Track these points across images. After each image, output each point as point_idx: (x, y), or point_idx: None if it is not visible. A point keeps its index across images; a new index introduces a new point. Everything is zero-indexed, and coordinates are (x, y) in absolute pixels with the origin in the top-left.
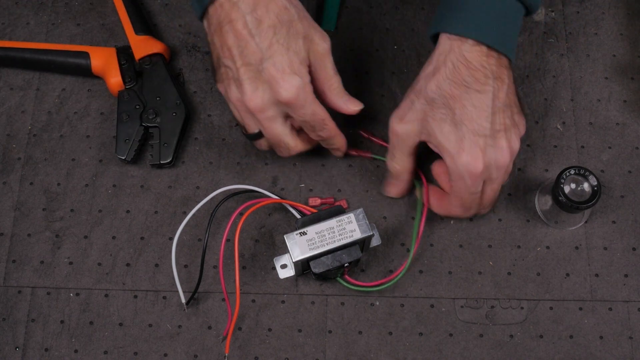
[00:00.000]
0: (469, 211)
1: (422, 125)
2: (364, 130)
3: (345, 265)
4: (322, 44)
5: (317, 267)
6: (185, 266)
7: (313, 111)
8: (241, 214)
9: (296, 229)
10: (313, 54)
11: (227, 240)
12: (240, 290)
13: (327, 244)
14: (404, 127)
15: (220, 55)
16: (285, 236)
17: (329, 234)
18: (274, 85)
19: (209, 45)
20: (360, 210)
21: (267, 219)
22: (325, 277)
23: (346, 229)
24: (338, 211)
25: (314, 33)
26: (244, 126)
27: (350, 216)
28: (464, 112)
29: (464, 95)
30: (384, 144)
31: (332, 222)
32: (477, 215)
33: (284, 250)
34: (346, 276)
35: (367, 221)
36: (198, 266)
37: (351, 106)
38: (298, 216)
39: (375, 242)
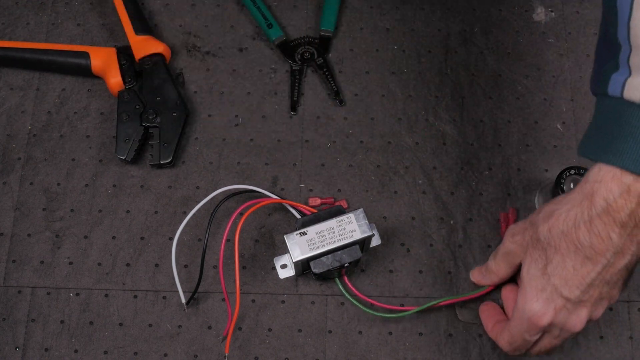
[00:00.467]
0: (513, 351)
1: (524, 252)
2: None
3: (345, 265)
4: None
5: (317, 267)
6: (185, 266)
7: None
8: (241, 214)
9: (296, 229)
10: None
11: (227, 240)
12: (240, 290)
13: (327, 244)
14: (511, 246)
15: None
16: (285, 236)
17: (329, 234)
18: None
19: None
20: (360, 210)
21: (267, 219)
22: (325, 277)
23: (346, 229)
24: (338, 211)
25: None
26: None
27: (350, 216)
28: (560, 269)
29: (569, 255)
30: None
31: (332, 222)
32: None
33: (284, 250)
34: (345, 278)
35: (367, 221)
36: (198, 266)
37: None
38: (298, 216)
39: (375, 242)
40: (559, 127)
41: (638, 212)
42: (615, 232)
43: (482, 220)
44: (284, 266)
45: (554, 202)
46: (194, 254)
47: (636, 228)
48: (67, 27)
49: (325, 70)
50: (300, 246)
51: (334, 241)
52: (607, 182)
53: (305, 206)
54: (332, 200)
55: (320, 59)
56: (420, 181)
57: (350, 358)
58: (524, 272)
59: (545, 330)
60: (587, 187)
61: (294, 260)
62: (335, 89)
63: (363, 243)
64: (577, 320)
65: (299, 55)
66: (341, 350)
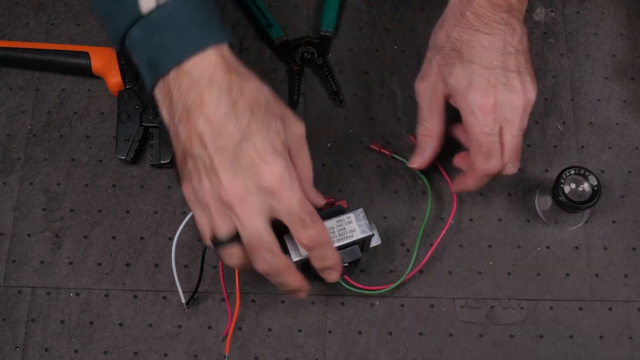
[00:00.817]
0: (490, 160)
1: (440, 78)
2: (374, 144)
3: (345, 265)
4: (299, 126)
5: None
6: (185, 266)
7: (300, 200)
8: None
9: None
10: (291, 137)
11: None
12: (240, 290)
13: None
14: (424, 83)
15: (187, 146)
16: (285, 237)
17: (329, 233)
18: (256, 169)
19: (170, 141)
20: (360, 210)
21: None
22: None
23: (346, 229)
24: (338, 211)
25: (290, 115)
26: (213, 230)
27: (350, 216)
28: (473, 51)
29: (473, 38)
30: (386, 153)
31: (332, 222)
32: (505, 174)
33: (285, 250)
34: (346, 277)
35: (367, 221)
36: (198, 266)
37: (320, 200)
38: None
39: (375, 242)
40: (559, 127)
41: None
42: (496, 13)
43: (482, 220)
44: None
45: (441, 19)
46: (194, 254)
47: (510, 9)
48: (67, 27)
49: (325, 70)
50: (299, 246)
51: (334, 241)
52: None
53: None
54: (332, 200)
55: (320, 58)
56: (420, 181)
57: (350, 358)
58: (449, 80)
59: (499, 120)
60: None
61: (293, 261)
62: (335, 89)
63: (363, 243)
64: (515, 92)
65: (299, 55)
66: (341, 350)
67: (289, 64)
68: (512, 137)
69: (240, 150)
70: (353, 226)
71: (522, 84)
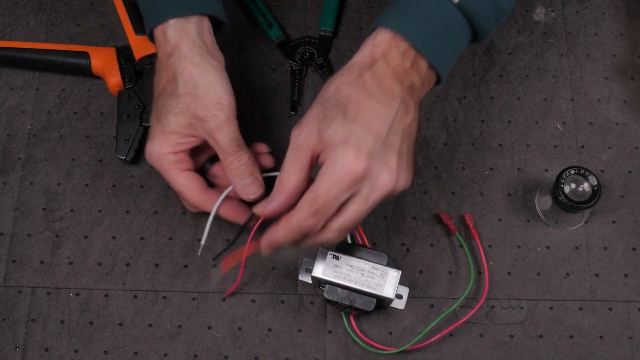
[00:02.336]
0: (311, 217)
1: (315, 130)
2: (444, 214)
3: (354, 307)
4: (210, 121)
5: (328, 293)
6: (185, 266)
7: (170, 180)
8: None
9: (335, 249)
10: (202, 130)
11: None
12: (241, 290)
13: (349, 280)
14: (297, 132)
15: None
16: (320, 248)
17: (358, 273)
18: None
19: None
20: (398, 272)
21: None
22: (332, 304)
23: (375, 279)
24: (380, 259)
25: (201, 110)
26: None
27: (386, 270)
28: (359, 112)
29: (364, 101)
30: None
31: (366, 265)
32: (307, 244)
33: (310, 255)
34: (351, 318)
35: (397, 285)
36: (198, 266)
37: (249, 192)
38: None
39: (399, 305)
40: (559, 127)
41: (411, 75)
42: (397, 85)
43: (482, 220)
44: (308, 270)
45: (336, 74)
46: (194, 254)
47: (412, 89)
48: (67, 27)
49: (325, 70)
50: (326, 266)
51: (358, 282)
52: (386, 42)
53: (360, 230)
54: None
55: (321, 58)
56: (420, 181)
57: (350, 358)
58: (325, 133)
59: (352, 191)
60: (366, 49)
61: (312, 275)
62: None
63: (382, 301)
64: (388, 172)
65: (299, 55)
66: (341, 350)
67: (289, 63)
68: (355, 212)
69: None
70: (382, 281)
71: (398, 167)
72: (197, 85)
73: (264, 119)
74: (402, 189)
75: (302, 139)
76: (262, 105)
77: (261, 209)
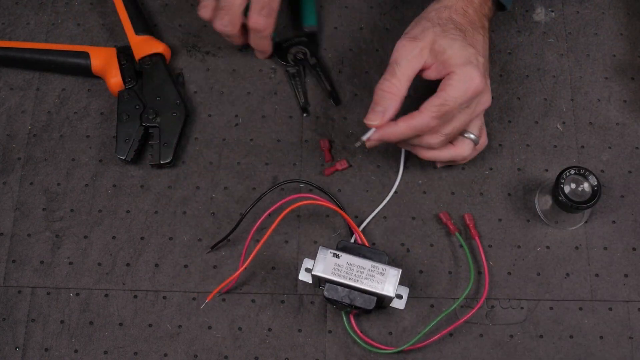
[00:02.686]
0: (438, 125)
1: (431, 46)
2: (444, 214)
3: (354, 306)
4: None
5: (328, 292)
6: (185, 266)
7: None
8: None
9: (335, 248)
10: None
11: (269, 215)
12: (241, 290)
13: (349, 279)
14: (413, 44)
15: None
16: (320, 247)
17: (358, 271)
18: None
19: None
20: (398, 270)
21: (268, 220)
22: (332, 303)
23: (375, 277)
24: (380, 257)
25: None
26: None
27: (386, 269)
28: (474, 40)
29: (471, 29)
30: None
31: (367, 263)
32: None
33: (310, 255)
34: (352, 318)
35: (397, 283)
36: (198, 266)
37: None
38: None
39: (398, 305)
40: (559, 127)
41: (488, 13)
42: (485, 21)
43: (482, 220)
44: (308, 270)
45: (431, 5)
46: (194, 254)
47: (489, 23)
48: (67, 27)
49: (318, 70)
50: (326, 264)
51: (358, 280)
52: None
53: (358, 231)
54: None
55: (313, 58)
56: (420, 181)
57: (350, 358)
58: (448, 50)
59: (468, 105)
60: None
61: (312, 273)
62: (329, 89)
63: (382, 300)
64: (488, 90)
65: (292, 57)
66: (341, 350)
67: (284, 66)
68: (464, 121)
69: None
70: (382, 279)
71: (490, 86)
72: None
73: (264, 119)
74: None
75: (417, 52)
76: (262, 105)
77: (379, 120)
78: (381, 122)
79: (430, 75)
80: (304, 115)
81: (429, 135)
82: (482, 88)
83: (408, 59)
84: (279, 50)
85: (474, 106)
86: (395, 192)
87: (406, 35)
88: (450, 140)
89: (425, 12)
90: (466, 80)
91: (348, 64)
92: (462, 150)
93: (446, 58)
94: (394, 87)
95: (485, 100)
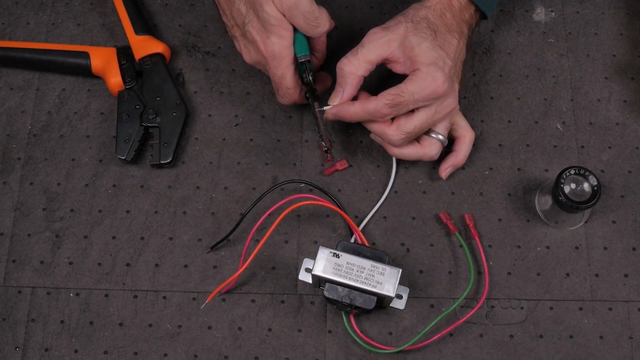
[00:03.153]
0: (391, 109)
1: (400, 40)
2: (444, 214)
3: (355, 306)
4: None
5: (328, 292)
6: (185, 266)
7: (287, 74)
8: (287, 203)
9: (335, 248)
10: (284, 6)
11: (269, 215)
12: (241, 290)
13: (349, 279)
14: (382, 33)
15: (220, 12)
16: (320, 247)
17: (358, 271)
18: (256, 45)
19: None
20: (398, 270)
21: (268, 219)
22: (332, 303)
23: (375, 277)
24: (380, 257)
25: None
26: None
27: (386, 269)
28: (443, 41)
29: (445, 32)
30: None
31: (367, 263)
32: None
33: (310, 255)
34: (352, 319)
35: (397, 283)
36: (198, 266)
37: (325, 80)
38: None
39: (398, 305)
40: (559, 127)
41: (470, 20)
42: (465, 26)
43: (482, 221)
44: (308, 270)
45: (411, 7)
46: (194, 254)
47: (470, 30)
48: (67, 27)
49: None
50: (326, 264)
51: (358, 280)
52: None
53: (358, 231)
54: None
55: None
56: (420, 181)
57: (350, 358)
58: (415, 48)
59: (429, 103)
60: None
61: (312, 273)
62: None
63: (382, 300)
64: (454, 96)
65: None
66: (341, 350)
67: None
68: (425, 121)
69: (244, 30)
70: (382, 279)
71: (458, 91)
72: None
73: (264, 119)
74: (455, 108)
75: (385, 40)
76: (262, 105)
77: (337, 99)
78: (340, 102)
79: (399, 69)
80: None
81: (389, 130)
82: (444, 90)
83: (373, 44)
84: None
85: (436, 107)
86: (396, 192)
87: (380, 26)
88: (415, 139)
89: (406, 9)
90: (427, 79)
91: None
92: (429, 149)
93: (414, 55)
94: (351, 66)
95: (448, 104)
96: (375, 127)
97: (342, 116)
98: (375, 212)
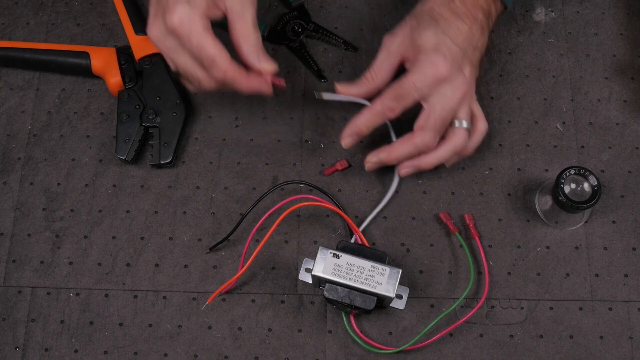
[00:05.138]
0: (394, 101)
1: (408, 38)
2: (444, 214)
3: (354, 306)
4: None
5: (328, 292)
6: (185, 266)
7: (202, 45)
8: (289, 204)
9: (335, 248)
10: (232, 1)
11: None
12: (241, 290)
13: (349, 279)
14: (392, 38)
15: None
16: (320, 247)
17: (358, 271)
18: (165, 12)
19: None
20: (398, 270)
21: (268, 220)
22: (332, 303)
23: (374, 277)
24: (380, 257)
25: None
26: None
27: (386, 270)
28: (448, 28)
29: (451, 19)
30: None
31: (366, 263)
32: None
33: (310, 255)
34: (352, 319)
35: (397, 284)
36: (198, 266)
37: (265, 65)
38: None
39: (398, 305)
40: (559, 127)
41: (490, 5)
42: (479, 12)
43: (482, 221)
44: (308, 270)
45: None
46: (194, 254)
47: (489, 17)
48: (67, 27)
49: (321, 31)
50: (326, 264)
51: (358, 281)
52: None
53: (358, 231)
54: (283, 82)
55: (311, 24)
56: (420, 181)
57: (350, 358)
58: (417, 39)
59: (436, 89)
60: None
61: (312, 273)
62: (316, 68)
63: (382, 300)
64: (463, 80)
65: (291, 32)
66: (341, 350)
67: (286, 44)
68: (441, 105)
69: None
70: (382, 279)
71: (471, 77)
72: None
73: (264, 119)
74: (464, 95)
75: (396, 44)
76: (262, 106)
77: (346, 89)
78: (346, 91)
79: (410, 66)
80: (322, 81)
81: (421, 134)
82: (445, 74)
83: (386, 51)
84: (274, 34)
85: (445, 92)
86: (396, 191)
87: (390, 32)
88: (442, 134)
89: (416, 5)
90: (426, 66)
91: (348, 64)
92: (456, 140)
93: (418, 46)
94: (369, 74)
95: (458, 87)
96: (417, 149)
97: (356, 126)
98: (376, 212)
